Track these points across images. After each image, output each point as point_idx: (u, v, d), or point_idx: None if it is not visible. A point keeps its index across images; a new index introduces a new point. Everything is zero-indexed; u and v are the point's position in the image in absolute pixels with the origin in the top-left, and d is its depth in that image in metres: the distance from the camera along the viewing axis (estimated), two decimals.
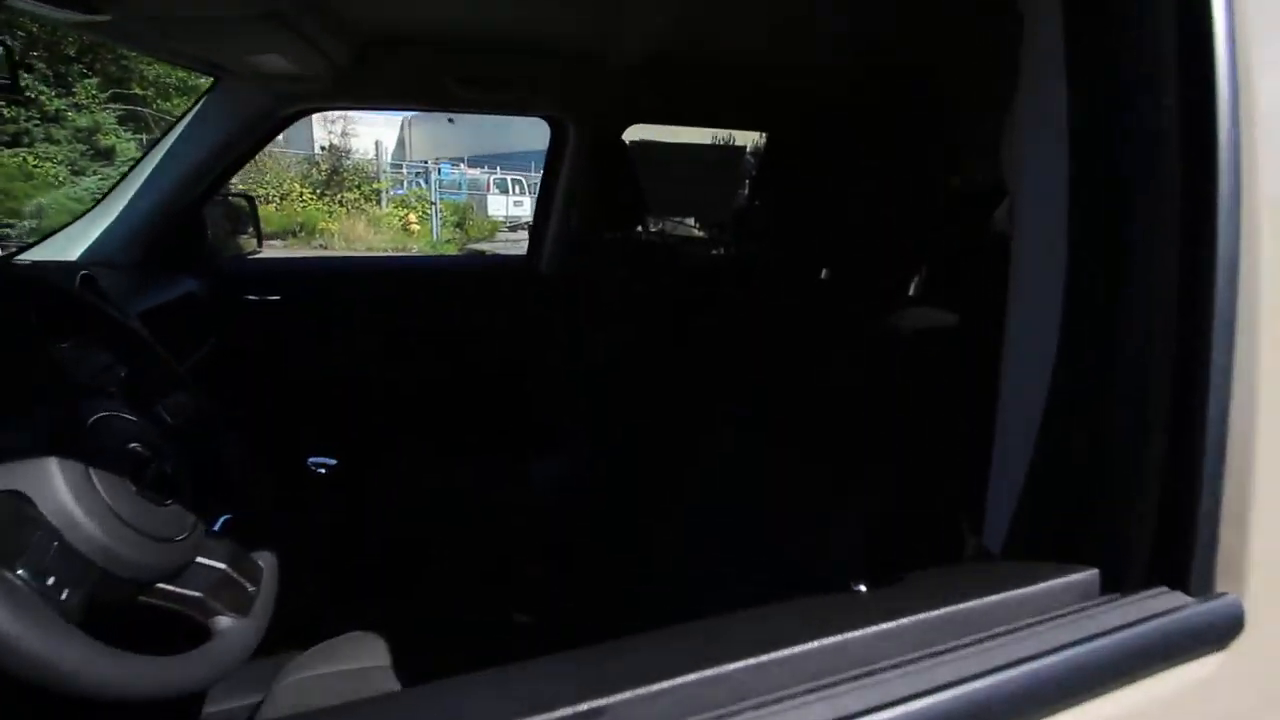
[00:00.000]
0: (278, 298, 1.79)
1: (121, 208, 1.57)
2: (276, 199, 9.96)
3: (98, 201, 1.58)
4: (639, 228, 1.69)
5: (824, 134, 0.84)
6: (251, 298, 1.77)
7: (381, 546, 1.31)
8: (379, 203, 10.82)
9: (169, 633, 0.69)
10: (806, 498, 0.78)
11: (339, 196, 10.34)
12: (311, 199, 10.16)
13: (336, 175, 10.66)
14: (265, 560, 0.81)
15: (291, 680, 0.95)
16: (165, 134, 1.55)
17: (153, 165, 1.55)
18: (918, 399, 0.67)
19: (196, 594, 0.68)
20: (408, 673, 0.96)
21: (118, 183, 1.57)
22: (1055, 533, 0.42)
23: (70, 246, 1.55)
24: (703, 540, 0.91)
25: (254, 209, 2.01)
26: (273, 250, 7.77)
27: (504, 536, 1.31)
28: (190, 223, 1.70)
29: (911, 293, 0.84)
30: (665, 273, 1.49)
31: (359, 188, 10.66)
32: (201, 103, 1.52)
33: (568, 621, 1.12)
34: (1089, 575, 0.37)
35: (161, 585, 0.66)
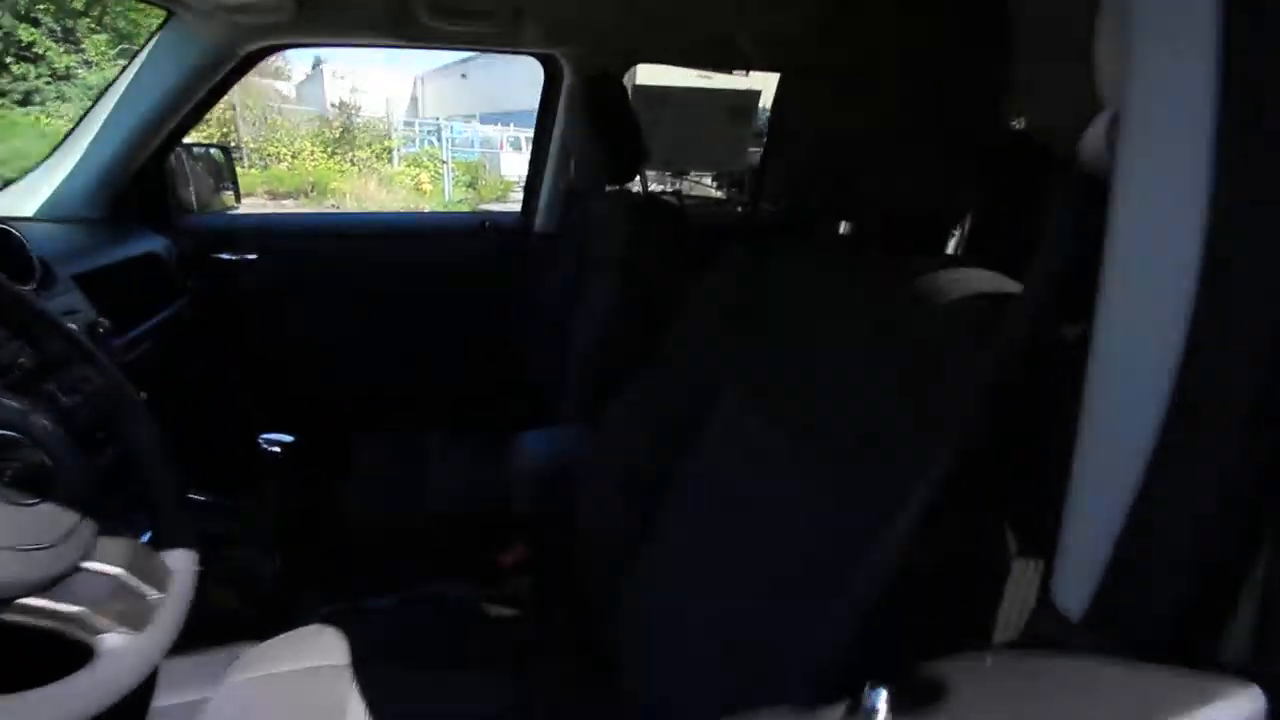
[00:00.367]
0: (253, 257, 1.67)
1: (78, 158, 1.44)
2: (289, 158, 9.82)
3: (53, 151, 1.46)
4: (642, 184, 1.54)
5: (849, 58, 0.67)
6: (225, 257, 1.64)
7: (350, 530, 1.21)
8: (391, 161, 10.62)
9: (47, 656, 0.58)
10: (818, 499, 0.65)
11: (350, 155, 10.16)
12: (323, 158, 10.00)
13: (348, 133, 10.46)
14: (178, 561, 0.70)
15: (237, 680, 0.85)
16: (118, 76, 1.41)
17: (107, 112, 1.41)
18: (954, 385, 0.53)
19: (75, 609, 0.57)
20: (365, 674, 0.86)
21: (70, 131, 1.44)
22: (1171, 610, 0.28)
23: (28, 199, 1.43)
24: (696, 538, 0.79)
25: (230, 161, 1.89)
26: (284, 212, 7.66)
27: (482, 521, 1.20)
28: (155, 175, 1.58)
29: (951, 249, 0.69)
30: (669, 232, 1.34)
31: (370, 146, 10.45)
32: (154, 41, 1.37)
33: (545, 618, 1.01)
34: (1249, 700, 0.23)
35: (27, 601, 0.55)
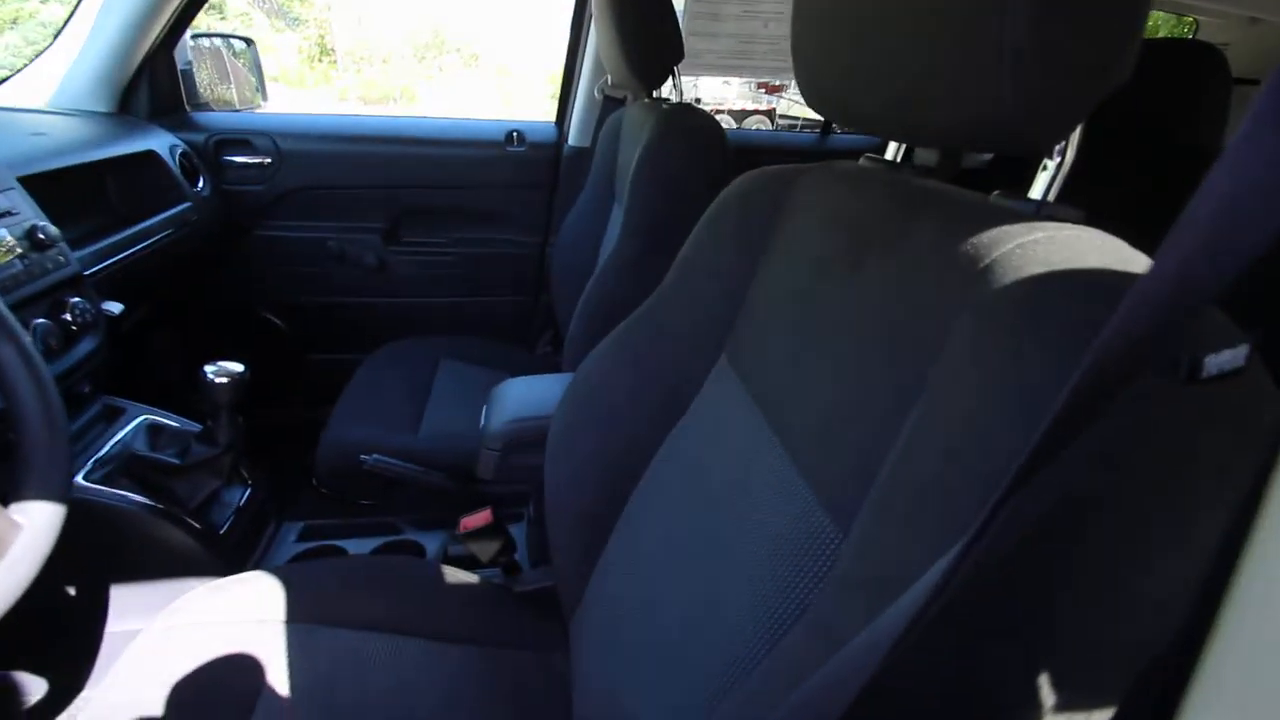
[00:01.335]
0: (268, 161, 1.56)
1: (81, 47, 1.35)
2: (379, 62, 9.80)
3: (57, 35, 1.37)
4: (675, 88, 1.29)
5: None
6: (235, 159, 1.54)
7: (328, 464, 1.13)
8: (478, 67, 10.41)
9: None
10: (805, 527, 0.49)
11: (439, 60, 10.02)
12: (414, 62, 9.93)
13: (437, 37, 10.28)
14: (36, 515, 0.60)
15: (159, 627, 0.79)
16: None
17: None
18: (1022, 405, 0.33)
19: None
20: (297, 630, 0.78)
21: (69, 17, 1.34)
22: None
23: (36, 89, 1.36)
24: (674, 530, 0.64)
25: (255, 54, 1.76)
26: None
27: (460, 474, 1.09)
28: (165, 65, 1.47)
29: (1042, 193, 0.46)
30: (697, 149, 1.11)
31: (459, 50, 10.26)
32: None
33: (503, 582, 0.90)
34: None
35: None
